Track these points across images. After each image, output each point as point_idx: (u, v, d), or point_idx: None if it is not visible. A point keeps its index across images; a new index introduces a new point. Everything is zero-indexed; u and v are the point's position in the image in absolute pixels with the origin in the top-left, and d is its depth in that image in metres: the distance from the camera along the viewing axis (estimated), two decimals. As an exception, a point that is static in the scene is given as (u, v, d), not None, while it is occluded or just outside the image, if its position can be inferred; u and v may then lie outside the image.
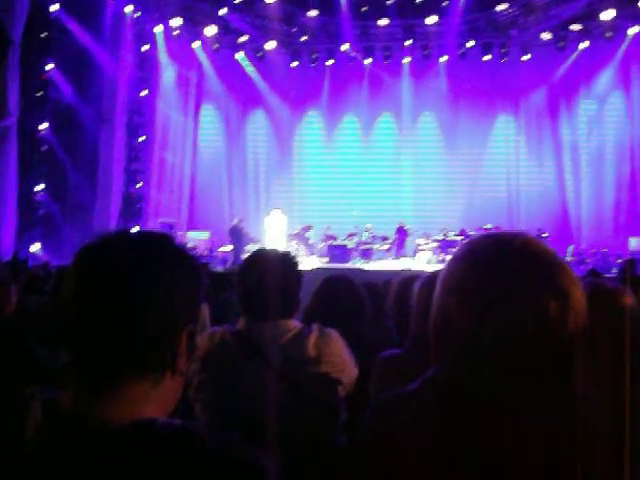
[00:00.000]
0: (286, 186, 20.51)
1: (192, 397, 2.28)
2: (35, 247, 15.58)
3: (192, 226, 19.54)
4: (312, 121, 20.73)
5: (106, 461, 0.94)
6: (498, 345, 1.09)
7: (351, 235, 17.85)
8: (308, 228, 17.96)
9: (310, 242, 17.80)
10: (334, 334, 2.40)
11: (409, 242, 18.08)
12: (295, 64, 20.13)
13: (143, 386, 1.03)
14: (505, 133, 20.24)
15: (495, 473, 1.06)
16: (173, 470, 0.93)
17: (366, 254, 17.37)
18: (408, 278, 2.91)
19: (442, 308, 1.18)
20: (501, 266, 1.13)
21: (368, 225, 17.90)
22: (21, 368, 3.83)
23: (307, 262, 15.33)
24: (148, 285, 1.04)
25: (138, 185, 18.61)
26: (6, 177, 14.51)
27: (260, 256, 2.47)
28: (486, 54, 19.23)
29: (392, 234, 18.02)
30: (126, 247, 1.09)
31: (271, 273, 2.36)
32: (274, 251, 2.52)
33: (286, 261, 2.44)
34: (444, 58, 19.67)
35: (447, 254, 16.91)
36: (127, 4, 17.57)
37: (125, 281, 1.03)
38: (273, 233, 16.87)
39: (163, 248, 1.11)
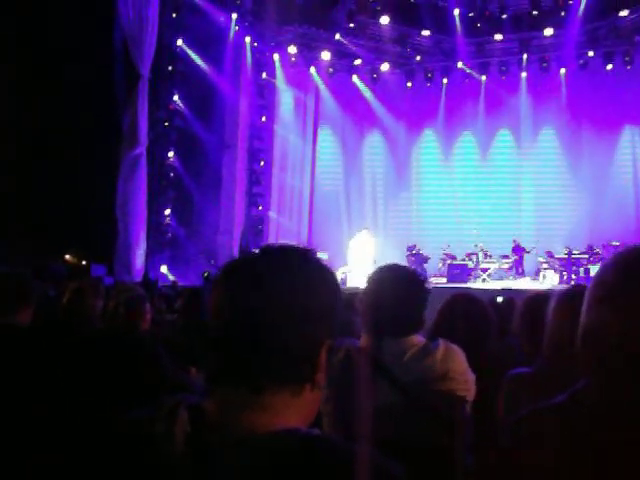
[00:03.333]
0: (404, 206, 20.43)
1: (321, 410, 2.32)
2: (163, 268, 16.36)
3: (311, 247, 19.79)
4: (429, 140, 20.57)
5: (253, 467, 0.97)
6: None
7: (470, 255, 17.55)
8: (411, 248, 17.79)
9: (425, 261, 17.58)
10: (458, 350, 2.38)
11: (530, 261, 17.53)
12: (410, 84, 20.13)
13: (283, 397, 1.06)
14: (632, 145, 19.26)
15: None
16: (320, 477, 0.96)
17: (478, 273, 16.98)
18: (536, 295, 2.85)
19: (591, 318, 1.17)
20: None
21: (481, 244, 17.53)
22: (154, 383, 4.02)
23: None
24: (292, 301, 1.07)
25: (259, 208, 19.17)
26: (137, 202, 15.36)
27: (386, 272, 2.48)
28: (608, 63, 18.46)
29: (512, 252, 17.56)
30: (268, 262, 1.12)
31: (397, 289, 2.37)
32: (400, 267, 2.53)
33: (412, 278, 2.45)
34: (563, 70, 19.05)
35: (572, 273, 16.28)
36: (246, 35, 18.25)
37: (266, 295, 1.06)
38: (359, 255, 16.53)
39: (307, 263, 1.14)
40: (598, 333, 1.16)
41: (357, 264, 16.02)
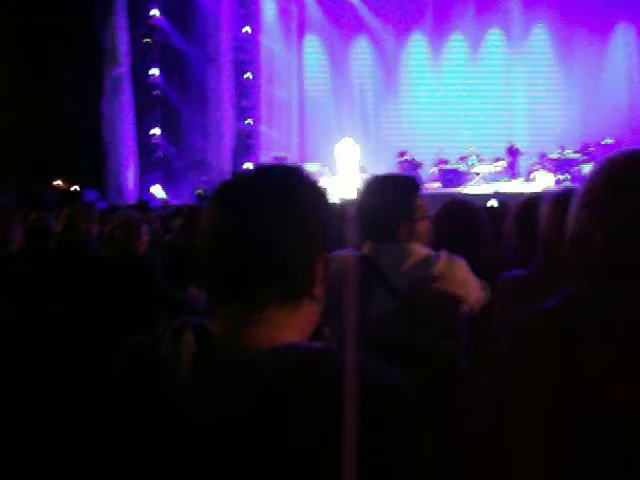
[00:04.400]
0: (394, 111, 20.19)
1: (320, 320, 2.36)
2: (156, 188, 16.29)
3: (303, 159, 19.71)
4: (417, 44, 20.08)
5: (255, 382, 1.00)
6: (633, 262, 1.08)
7: (463, 158, 17.47)
8: (402, 154, 17.70)
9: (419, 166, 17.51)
10: (461, 261, 2.40)
11: (523, 162, 17.50)
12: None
13: (283, 313, 1.09)
14: (624, 43, 18.90)
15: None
16: (321, 387, 0.99)
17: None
18: (529, 199, 2.85)
19: (579, 223, 1.17)
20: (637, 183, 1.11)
21: (473, 148, 17.43)
22: (155, 302, 4.08)
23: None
24: (287, 216, 1.08)
25: (248, 121, 18.93)
26: (124, 123, 15.14)
27: (376, 180, 2.49)
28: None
29: (504, 154, 17.49)
30: (263, 180, 1.14)
31: (386, 196, 2.39)
32: (391, 175, 2.55)
33: (401, 184, 2.47)
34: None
35: (565, 173, 16.27)
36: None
37: (265, 213, 1.08)
38: (343, 162, 16.35)
39: (298, 180, 1.15)
40: (584, 240, 1.16)
41: (343, 173, 15.91)
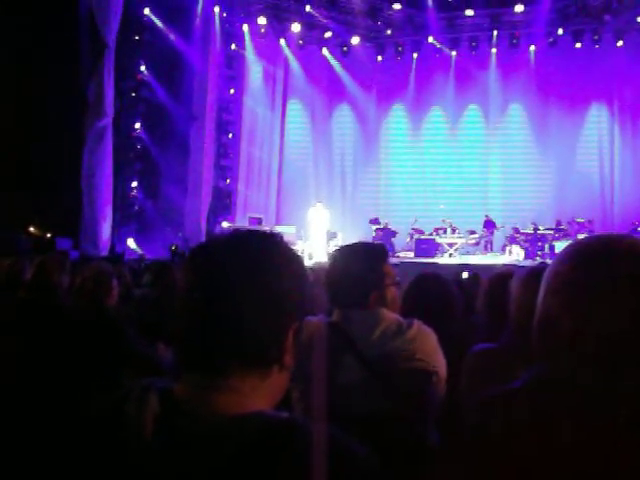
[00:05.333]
0: (372, 180, 20.50)
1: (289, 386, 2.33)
2: (130, 242, 16.22)
3: (279, 221, 19.81)
4: (398, 114, 20.60)
5: (220, 450, 0.98)
6: (601, 347, 1.09)
7: (437, 229, 17.69)
8: (374, 221, 17.91)
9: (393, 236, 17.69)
10: (431, 332, 2.40)
11: (497, 236, 17.77)
12: (380, 58, 20.10)
13: (250, 379, 1.08)
14: (598, 124, 19.52)
15: None
16: (284, 459, 0.97)
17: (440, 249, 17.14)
18: (500, 274, 2.89)
19: (547, 308, 1.18)
20: (607, 268, 1.13)
21: (448, 219, 17.66)
22: (121, 358, 4.01)
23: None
24: (258, 285, 1.08)
25: (227, 181, 19.05)
26: (103, 175, 15.14)
27: (346, 248, 2.53)
28: (577, 41, 18.61)
29: (479, 228, 17.75)
30: (237, 247, 1.14)
31: (354, 263, 2.41)
32: (361, 243, 2.59)
33: (373, 252, 2.50)
34: (533, 47, 19.16)
35: (537, 249, 16.52)
36: (215, 5, 17.97)
37: (234, 282, 1.08)
38: (314, 227, 16.36)
39: (272, 248, 1.15)
40: (551, 326, 1.18)
41: (314, 238, 15.96)
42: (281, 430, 1.01)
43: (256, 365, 1.09)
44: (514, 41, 19.14)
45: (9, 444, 2.47)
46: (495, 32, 19.06)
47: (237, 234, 1.18)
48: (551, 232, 16.96)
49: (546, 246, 16.44)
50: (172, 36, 16.88)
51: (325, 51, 20.30)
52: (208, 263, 1.12)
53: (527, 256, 16.13)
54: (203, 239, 16.22)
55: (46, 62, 14.62)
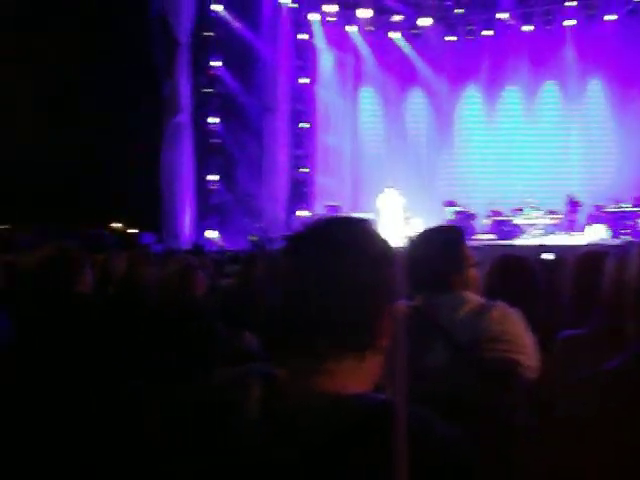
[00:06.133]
0: (448, 162, 20.22)
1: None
2: (212, 234, 16.62)
3: (356, 208, 19.81)
4: (472, 95, 20.17)
5: (324, 430, 1.03)
6: None
7: (516, 210, 17.32)
8: (450, 204, 17.63)
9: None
10: (516, 313, 2.38)
11: (580, 215, 17.24)
12: (451, 38, 19.73)
13: (348, 363, 1.12)
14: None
15: None
16: (383, 440, 1.00)
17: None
18: (588, 254, 2.82)
19: None
20: None
21: (528, 199, 17.24)
22: (210, 349, 4.13)
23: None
24: (355, 272, 1.12)
25: (303, 170, 19.23)
26: (182, 169, 15.56)
27: (427, 232, 2.56)
28: (660, 9, 17.77)
29: (560, 207, 17.27)
30: (333, 234, 1.18)
31: (438, 246, 2.43)
32: (439, 227, 2.63)
33: (451, 234, 2.51)
34: (610, 17, 18.30)
35: (622, 227, 15.96)
36: (283, -5, 18.13)
37: (333, 268, 1.12)
38: (387, 213, 16.17)
39: (366, 234, 1.19)
40: None
41: (386, 223, 15.80)
42: (380, 411, 1.04)
43: (353, 349, 1.12)
44: (591, 12, 18.37)
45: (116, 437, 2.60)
46: (570, 3, 18.35)
47: (331, 221, 1.23)
48: (635, 209, 16.34)
49: (631, 223, 15.87)
50: (243, 29, 17.13)
51: (395, 35, 20.07)
52: (306, 252, 1.16)
53: (612, 235, 15.60)
54: (282, 229, 16.46)
55: (121, 62, 15.06)
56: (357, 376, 1.13)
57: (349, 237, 1.17)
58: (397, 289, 1.20)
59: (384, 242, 1.21)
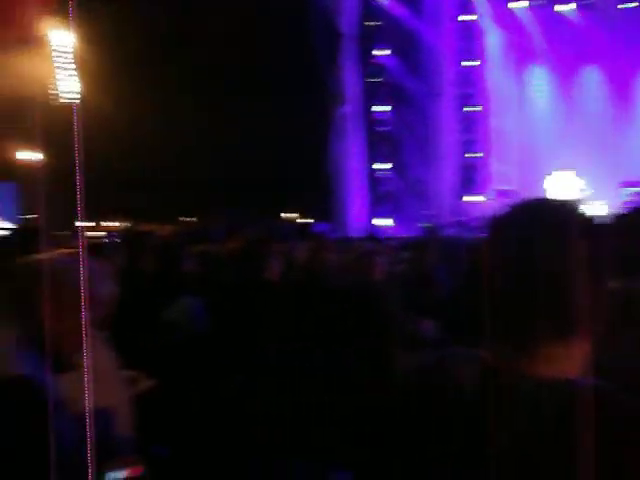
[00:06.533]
0: (626, 141, 18.84)
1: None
2: (386, 221, 16.83)
3: (526, 192, 19.11)
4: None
5: (537, 409, 1.09)
6: None
7: None
8: (633, 184, 16.39)
9: None
10: None
11: None
12: (630, 5, 18.32)
13: (557, 348, 1.14)
14: None
15: None
16: (604, 423, 1.04)
17: None
18: None
19: None
20: None
21: None
22: (391, 331, 4.25)
23: None
24: (566, 255, 1.13)
25: (473, 155, 18.92)
26: (352, 159, 15.86)
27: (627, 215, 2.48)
28: None
29: None
30: (539, 218, 1.18)
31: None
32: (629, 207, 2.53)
33: None
34: None
35: None
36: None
37: (545, 253, 1.13)
38: (558, 195, 15.11)
39: (572, 216, 1.19)
40: None
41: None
42: (586, 395, 1.07)
43: (564, 334, 1.14)
44: None
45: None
46: None
47: (533, 204, 1.23)
48: None
49: None
50: (406, 17, 17.10)
51: (566, 7, 18.99)
52: (516, 237, 1.17)
53: None
54: (452, 214, 16.30)
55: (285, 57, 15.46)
56: (566, 361, 1.15)
57: (561, 219, 1.17)
58: (605, 272, 1.19)
59: (591, 221, 1.20)
